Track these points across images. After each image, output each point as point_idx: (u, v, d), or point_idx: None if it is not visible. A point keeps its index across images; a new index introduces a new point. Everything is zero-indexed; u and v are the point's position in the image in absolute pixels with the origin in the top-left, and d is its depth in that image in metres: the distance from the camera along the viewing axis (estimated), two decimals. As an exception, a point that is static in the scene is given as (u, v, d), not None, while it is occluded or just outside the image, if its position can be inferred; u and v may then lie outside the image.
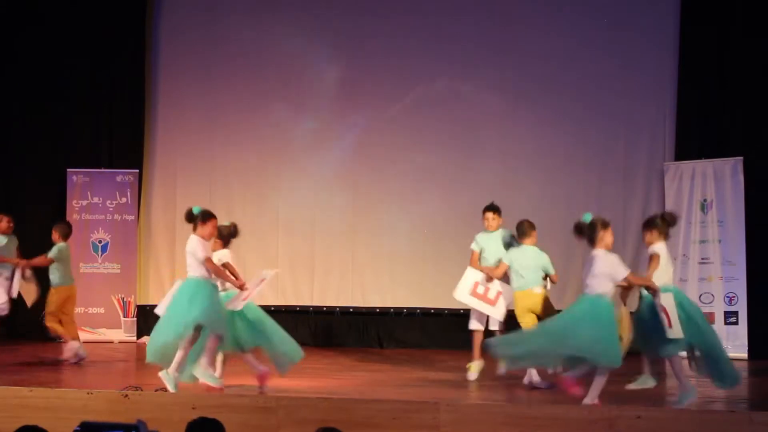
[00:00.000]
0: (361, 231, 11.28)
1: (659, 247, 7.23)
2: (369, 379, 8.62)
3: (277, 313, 11.17)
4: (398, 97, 11.28)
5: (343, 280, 11.31)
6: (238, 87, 11.56)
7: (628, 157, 10.82)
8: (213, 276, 7.30)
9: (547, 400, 7.35)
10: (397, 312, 11.20)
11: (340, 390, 7.56)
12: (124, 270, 11.48)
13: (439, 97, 11.16)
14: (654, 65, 10.77)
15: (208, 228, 7.31)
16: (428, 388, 8.00)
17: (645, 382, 7.60)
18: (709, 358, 6.97)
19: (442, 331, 10.81)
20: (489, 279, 8.29)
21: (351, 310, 11.31)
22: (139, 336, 11.32)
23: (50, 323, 9.34)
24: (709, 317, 9.85)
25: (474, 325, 8.37)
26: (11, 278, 9.29)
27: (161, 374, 7.04)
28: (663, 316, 6.76)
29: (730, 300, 9.96)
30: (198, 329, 7.10)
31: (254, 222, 11.32)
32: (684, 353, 7.16)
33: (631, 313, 7.77)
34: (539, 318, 8.03)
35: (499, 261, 8.29)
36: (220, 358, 7.73)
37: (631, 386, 7.50)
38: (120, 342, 11.26)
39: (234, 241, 7.97)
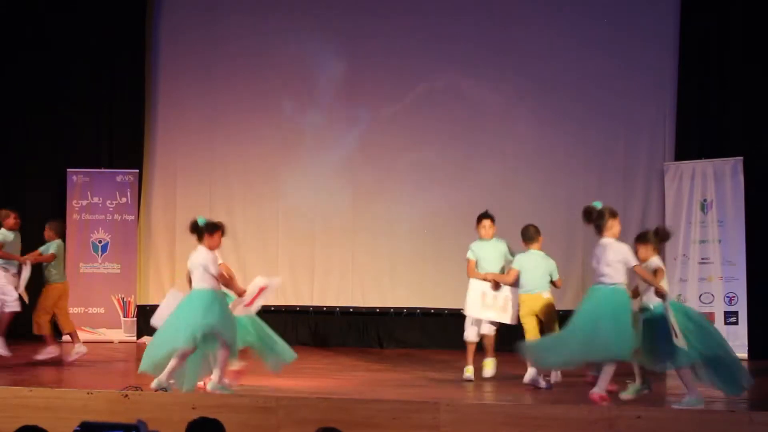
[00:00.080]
0: (361, 231, 11.28)
1: (658, 260, 7.20)
2: (369, 379, 8.62)
3: (277, 313, 11.24)
4: (398, 98, 11.27)
5: (343, 280, 11.31)
6: (238, 87, 11.56)
7: (628, 157, 10.81)
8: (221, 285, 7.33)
9: (547, 400, 7.36)
10: (397, 312, 11.20)
11: (340, 390, 7.56)
12: (124, 270, 11.48)
13: (439, 98, 11.16)
14: (654, 65, 10.77)
15: (215, 239, 7.33)
16: (428, 388, 8.01)
17: (639, 389, 7.46)
18: (720, 365, 6.88)
19: (442, 331, 10.81)
20: (496, 286, 8.27)
21: (351, 310, 11.31)
22: (139, 336, 11.32)
23: (41, 318, 9.33)
24: (709, 317, 9.88)
25: (471, 337, 8.34)
26: (18, 275, 9.27)
27: (154, 385, 7.02)
28: (672, 323, 6.68)
29: (730, 300, 9.96)
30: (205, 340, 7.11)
31: (254, 222, 11.33)
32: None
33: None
34: (540, 321, 8.07)
35: (500, 268, 8.34)
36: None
37: (626, 395, 7.16)
38: (120, 342, 11.26)
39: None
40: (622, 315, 6.71)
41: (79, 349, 9.31)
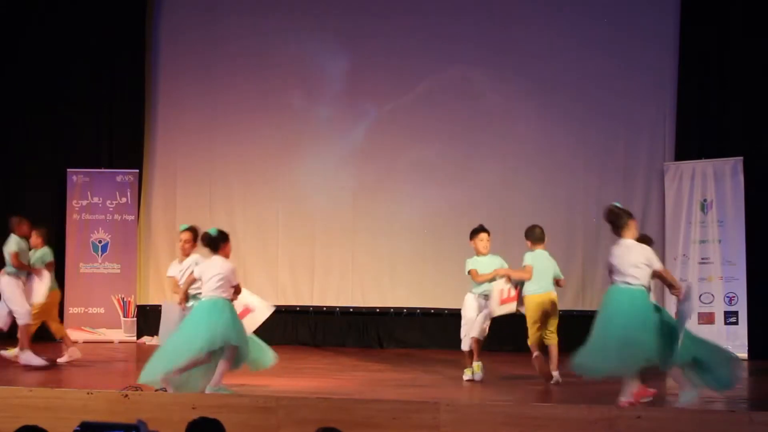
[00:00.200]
0: (361, 231, 11.28)
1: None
2: (369, 379, 8.62)
3: (277, 313, 11.21)
4: (398, 98, 11.27)
5: (343, 280, 11.31)
6: (239, 87, 11.56)
7: (628, 157, 10.82)
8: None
9: (547, 400, 7.36)
10: (397, 312, 11.20)
11: (340, 390, 7.56)
12: (124, 270, 11.48)
13: (438, 98, 11.16)
14: (654, 65, 10.77)
15: (229, 247, 7.40)
16: (428, 388, 8.01)
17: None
18: (708, 363, 6.87)
19: (442, 331, 10.79)
20: (509, 279, 8.24)
21: (351, 310, 11.31)
22: (139, 336, 11.32)
23: (53, 325, 9.29)
24: (709, 317, 9.90)
25: (467, 346, 8.27)
26: (29, 283, 9.16)
27: (208, 391, 7.03)
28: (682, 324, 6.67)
29: (730, 300, 9.96)
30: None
31: (254, 222, 11.33)
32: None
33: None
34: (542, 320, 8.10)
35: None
36: None
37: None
38: (120, 342, 11.26)
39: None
40: (658, 320, 6.65)
41: (73, 354, 9.25)
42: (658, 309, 6.87)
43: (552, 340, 8.12)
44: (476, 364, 8.18)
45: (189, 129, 11.67)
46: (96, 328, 11.30)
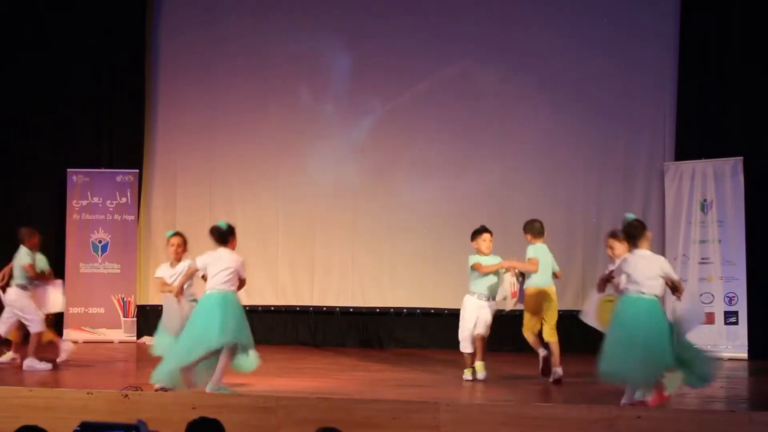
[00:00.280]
0: (361, 231, 11.27)
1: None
2: (369, 379, 8.61)
3: (277, 313, 11.27)
4: (399, 98, 11.27)
5: (343, 280, 11.31)
6: (238, 87, 11.56)
7: (628, 157, 10.81)
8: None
9: (547, 400, 7.36)
10: (397, 312, 11.19)
11: (340, 390, 7.55)
12: (124, 270, 11.48)
13: (438, 98, 11.15)
14: (654, 65, 10.76)
15: (235, 241, 7.43)
16: (428, 388, 8.00)
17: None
18: (693, 364, 6.91)
19: (442, 331, 10.78)
20: (514, 272, 8.24)
21: (351, 310, 11.31)
22: (139, 336, 11.31)
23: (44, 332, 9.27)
24: (709, 317, 9.90)
25: (469, 349, 8.25)
26: (39, 292, 9.10)
27: (209, 389, 7.03)
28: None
29: (730, 300, 9.96)
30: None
31: (254, 222, 11.32)
32: None
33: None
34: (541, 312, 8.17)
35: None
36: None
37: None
38: (120, 342, 11.25)
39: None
40: (670, 329, 6.73)
41: (67, 348, 9.21)
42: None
43: (552, 337, 8.13)
44: (479, 364, 8.16)
45: (189, 129, 11.67)
46: (96, 328, 11.30)
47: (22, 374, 8.44)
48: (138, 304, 11.47)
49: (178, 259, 7.85)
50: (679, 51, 10.61)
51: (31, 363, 8.69)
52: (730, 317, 9.93)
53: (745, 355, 9.78)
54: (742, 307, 9.90)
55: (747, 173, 10.02)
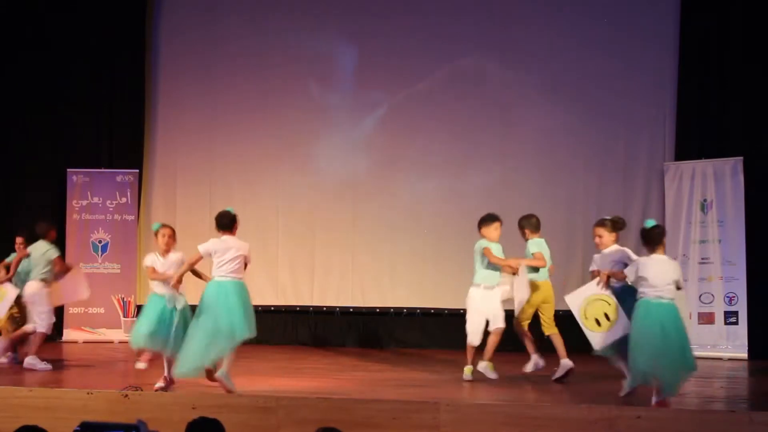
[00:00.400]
0: (361, 231, 11.27)
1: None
2: (369, 379, 8.61)
3: (277, 313, 11.27)
4: (398, 98, 11.27)
5: (343, 280, 11.31)
6: (238, 87, 11.56)
7: (628, 157, 10.82)
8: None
9: (547, 400, 7.36)
10: (397, 312, 11.19)
11: (340, 390, 7.55)
12: (124, 270, 11.48)
13: (438, 98, 11.15)
14: (654, 65, 10.77)
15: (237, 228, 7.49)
16: (428, 388, 8.00)
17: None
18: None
19: (442, 331, 10.81)
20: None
21: (351, 310, 11.31)
22: (139, 336, 11.30)
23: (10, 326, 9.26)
24: (709, 317, 9.90)
25: (478, 341, 8.22)
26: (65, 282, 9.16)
27: (220, 375, 7.08)
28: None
29: (730, 300, 9.96)
30: None
31: (254, 222, 11.30)
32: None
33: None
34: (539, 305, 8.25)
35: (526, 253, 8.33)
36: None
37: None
38: (120, 342, 11.23)
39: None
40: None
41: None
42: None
43: (552, 329, 8.17)
44: (489, 364, 8.14)
45: (189, 129, 11.67)
46: (96, 328, 11.30)
47: (22, 374, 8.44)
48: (138, 304, 11.42)
49: (168, 250, 7.87)
50: (679, 51, 10.61)
51: (32, 361, 8.68)
52: (730, 317, 9.93)
53: (745, 355, 9.79)
54: (742, 307, 9.90)
55: (747, 173, 10.03)
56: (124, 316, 11.37)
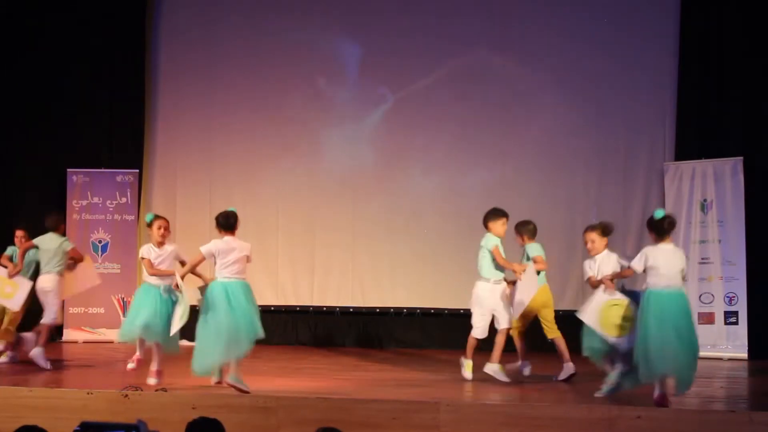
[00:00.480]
0: (361, 231, 11.27)
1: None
2: (369, 379, 8.61)
3: (277, 313, 11.26)
4: (398, 98, 11.27)
5: (343, 280, 11.31)
6: (238, 87, 11.56)
7: (628, 157, 10.81)
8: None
9: (547, 399, 7.36)
10: (397, 312, 11.19)
11: (340, 390, 7.55)
12: (124, 270, 11.48)
13: (438, 98, 11.15)
14: (654, 65, 10.77)
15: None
16: (428, 388, 7.99)
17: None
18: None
19: (442, 331, 10.81)
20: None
21: (351, 310, 11.31)
22: (139, 336, 11.29)
23: (11, 327, 9.24)
24: (709, 317, 9.91)
25: (483, 334, 8.17)
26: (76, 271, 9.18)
27: (231, 380, 7.09)
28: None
29: (730, 300, 9.96)
30: None
31: (254, 222, 11.30)
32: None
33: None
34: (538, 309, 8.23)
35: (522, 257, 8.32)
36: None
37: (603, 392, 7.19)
38: (120, 342, 11.22)
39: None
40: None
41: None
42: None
43: (555, 332, 8.15)
44: (499, 366, 8.04)
45: (189, 129, 11.67)
46: (96, 328, 11.29)
47: (22, 374, 8.43)
48: (138, 304, 11.44)
49: (163, 242, 7.86)
50: (679, 51, 10.61)
51: (37, 355, 8.65)
52: (730, 317, 9.93)
53: (745, 355, 9.79)
54: (742, 307, 9.90)
55: (747, 173, 10.03)
56: (124, 316, 11.32)
